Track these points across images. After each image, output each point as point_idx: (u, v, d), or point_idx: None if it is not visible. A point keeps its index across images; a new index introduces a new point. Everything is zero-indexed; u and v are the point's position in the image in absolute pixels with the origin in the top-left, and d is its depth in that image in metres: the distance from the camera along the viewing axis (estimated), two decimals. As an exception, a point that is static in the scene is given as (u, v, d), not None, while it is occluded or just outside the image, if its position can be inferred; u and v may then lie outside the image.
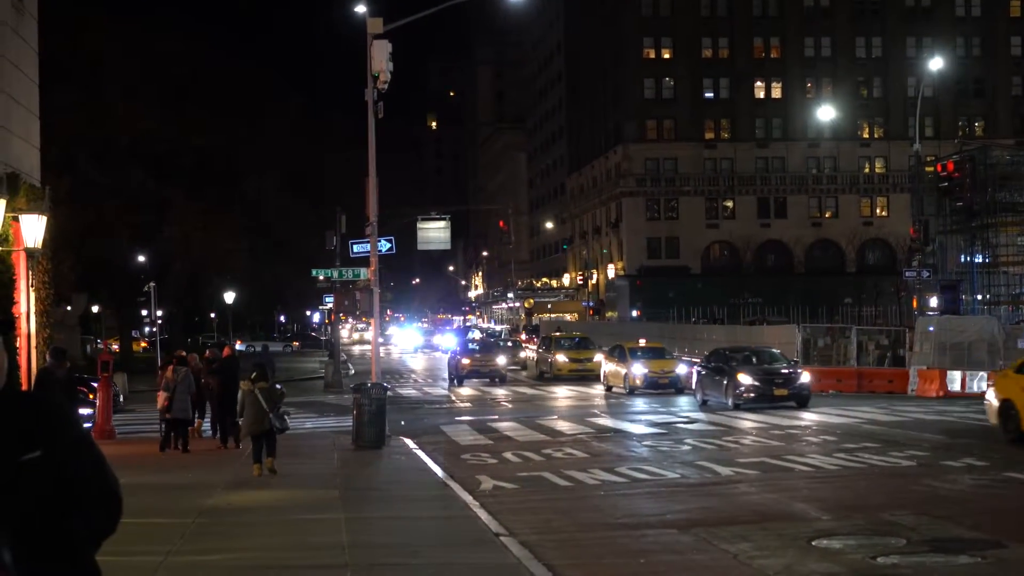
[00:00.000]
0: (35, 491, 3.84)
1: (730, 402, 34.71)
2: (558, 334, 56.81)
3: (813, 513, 16.02)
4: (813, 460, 21.91)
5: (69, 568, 4.06)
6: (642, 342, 46.82)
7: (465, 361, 52.53)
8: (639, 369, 42.79)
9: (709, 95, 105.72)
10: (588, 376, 50.59)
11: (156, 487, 18.67)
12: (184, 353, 30.08)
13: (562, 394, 44.72)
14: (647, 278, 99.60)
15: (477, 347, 58.15)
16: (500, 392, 46.41)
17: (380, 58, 28.27)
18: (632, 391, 42.30)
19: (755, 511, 16.25)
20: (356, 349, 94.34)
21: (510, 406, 38.80)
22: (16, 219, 22.79)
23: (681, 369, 43.54)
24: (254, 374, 21.32)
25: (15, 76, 26.19)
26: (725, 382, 35.33)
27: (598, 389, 46.10)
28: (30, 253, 23.65)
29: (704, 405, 36.30)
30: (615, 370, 44.62)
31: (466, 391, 47.66)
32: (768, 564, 12.61)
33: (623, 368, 43.50)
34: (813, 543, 13.72)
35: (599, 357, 50.16)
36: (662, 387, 42.51)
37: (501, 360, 54.47)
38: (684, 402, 38.53)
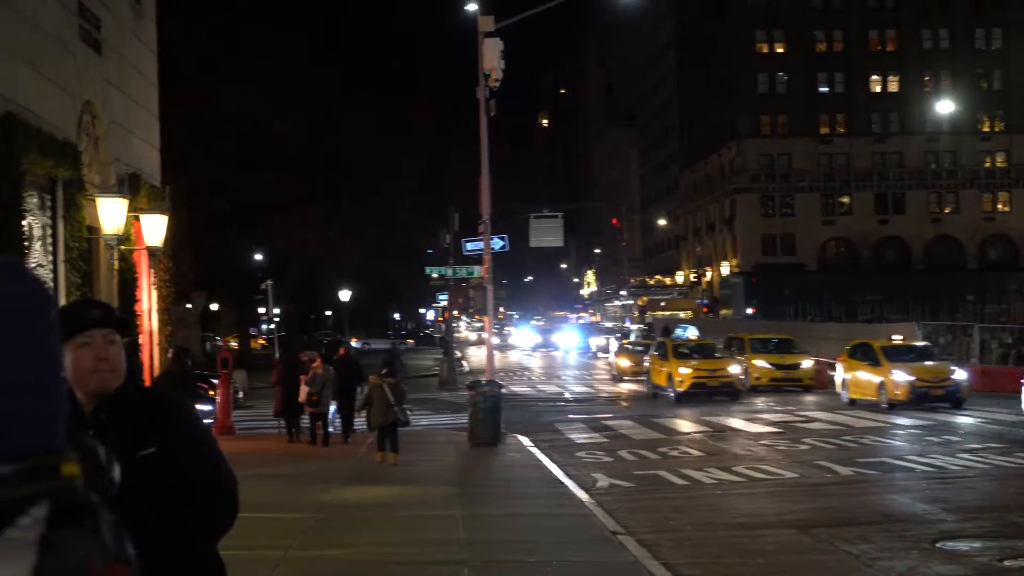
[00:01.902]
0: (152, 487, 3.88)
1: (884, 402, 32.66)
2: (750, 335, 46.62)
3: (937, 514, 15.70)
4: (936, 460, 21.49)
5: (190, 563, 4.11)
6: (897, 338, 38.52)
7: (625, 364, 50.84)
8: (902, 376, 33.23)
9: (823, 89, 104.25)
10: (792, 387, 41.94)
11: (276, 482, 18.89)
12: (320, 351, 30.70)
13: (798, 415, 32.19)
14: (762, 275, 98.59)
15: (641, 348, 53.92)
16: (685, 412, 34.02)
17: (491, 56, 28.32)
18: (892, 406, 32.76)
19: (876, 512, 15.99)
20: (472, 351, 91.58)
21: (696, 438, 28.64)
22: (137, 218, 23.20)
23: (959, 376, 34.09)
24: (384, 370, 22.42)
25: (135, 78, 26.70)
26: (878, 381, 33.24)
27: (814, 401, 37.63)
28: (151, 252, 24.06)
29: (852, 404, 34.55)
30: (864, 378, 34.99)
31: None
32: (891, 566, 12.38)
33: (877, 375, 34.06)
34: (937, 545, 13.45)
35: (809, 363, 42.94)
36: (935, 400, 32.83)
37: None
38: (811, 401, 37.79)
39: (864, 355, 35.66)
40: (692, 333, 57.68)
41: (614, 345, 67.26)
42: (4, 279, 1.56)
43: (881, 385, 33.50)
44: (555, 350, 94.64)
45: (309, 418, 27.13)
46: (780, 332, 49.40)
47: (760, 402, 37.49)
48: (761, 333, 47.82)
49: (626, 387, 47.73)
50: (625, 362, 52.11)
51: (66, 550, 1.44)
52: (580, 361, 77.32)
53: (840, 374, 37.06)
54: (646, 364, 44.09)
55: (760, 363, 42.30)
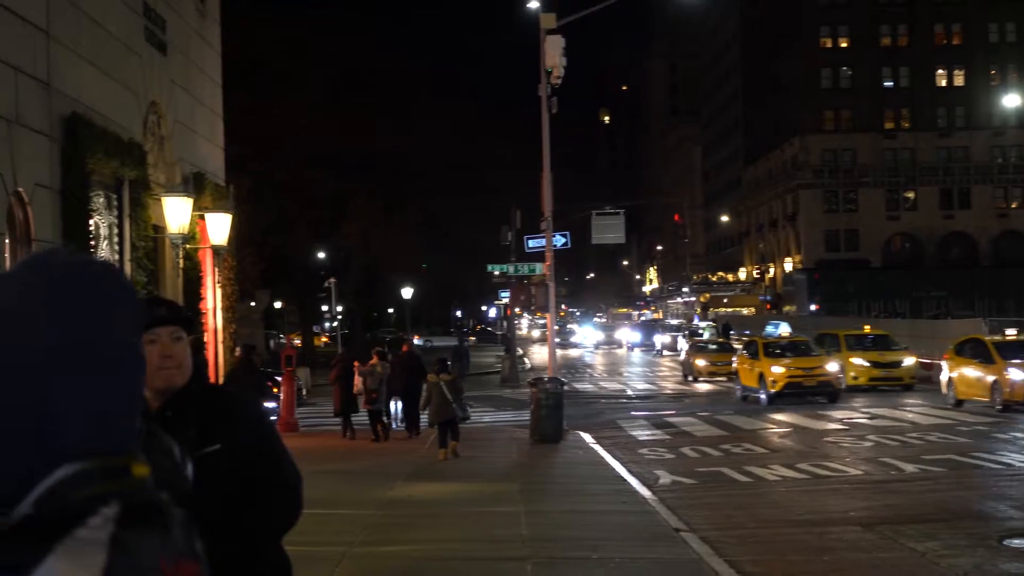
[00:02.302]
0: (217, 484, 3.92)
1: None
2: (844, 331, 43.11)
3: (1004, 511, 15.53)
4: (1003, 457, 21.22)
5: (255, 559, 4.15)
6: (1011, 333, 36.49)
7: (702, 363, 48.75)
8: (1020, 375, 29.74)
9: (888, 84, 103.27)
10: (892, 387, 38.68)
11: (340, 478, 19.00)
12: (381, 348, 30.93)
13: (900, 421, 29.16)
14: (825, 271, 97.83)
15: (716, 347, 52.04)
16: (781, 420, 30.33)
17: (553, 53, 28.32)
18: (1007, 407, 29.62)
19: (942, 508, 15.82)
20: (535, 349, 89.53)
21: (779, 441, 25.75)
22: (202, 217, 23.42)
23: None
24: (437, 367, 22.99)
25: (200, 78, 26.95)
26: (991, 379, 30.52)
27: (915, 401, 34.54)
28: (216, 250, 24.28)
29: (959, 405, 31.76)
30: (974, 376, 31.65)
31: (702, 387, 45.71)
32: (957, 563, 12.26)
33: (990, 374, 30.77)
34: (1004, 542, 13.30)
35: (910, 360, 39.56)
36: None
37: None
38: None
39: (974, 352, 32.44)
40: (784, 329, 54.25)
41: (683, 343, 65.54)
42: (93, 278, 1.57)
43: (994, 384, 30.34)
44: (618, 348, 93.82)
45: (368, 415, 27.29)
46: (848, 328, 48.63)
47: (859, 402, 34.67)
48: (852, 329, 44.74)
49: (703, 387, 45.67)
50: (702, 361, 49.44)
51: (136, 549, 1.45)
52: (644, 359, 75.35)
53: (945, 372, 33.75)
54: (733, 364, 41.85)
55: (858, 361, 39.13)
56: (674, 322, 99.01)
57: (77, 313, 1.55)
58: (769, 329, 55.57)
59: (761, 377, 35.72)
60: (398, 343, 30.78)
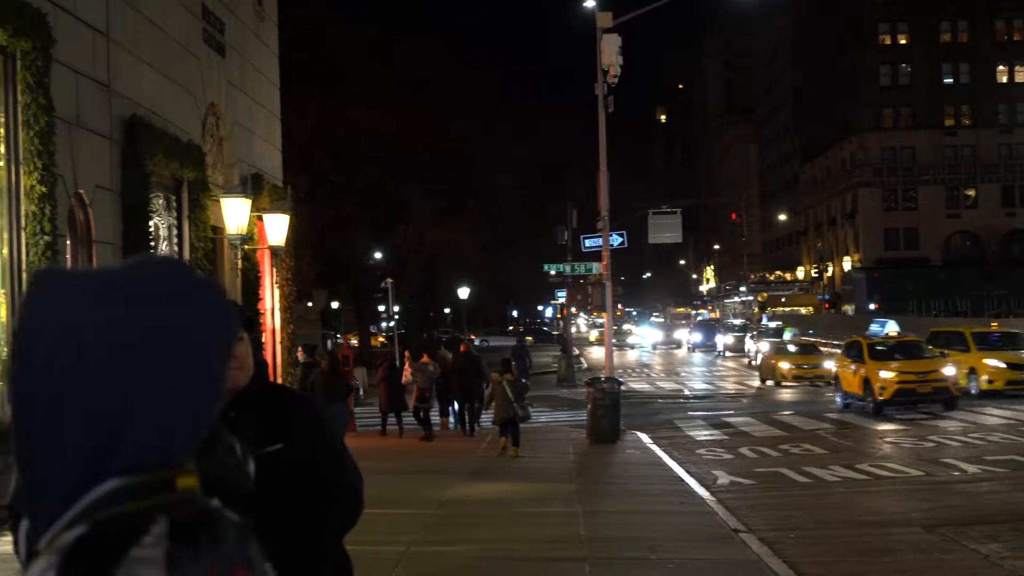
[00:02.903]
0: (279, 483, 3.92)
1: None
2: (970, 328, 38.79)
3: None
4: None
5: (317, 558, 4.15)
6: None
7: (785, 365, 44.22)
8: None
9: (948, 80, 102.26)
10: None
11: (397, 478, 19.06)
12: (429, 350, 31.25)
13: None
14: (885, 270, 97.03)
15: (798, 348, 47.40)
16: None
17: (610, 52, 28.25)
18: None
19: (1006, 510, 15.61)
20: (594, 350, 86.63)
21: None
22: (260, 218, 23.56)
23: None
24: (501, 367, 23.54)
25: (258, 80, 27.12)
26: None
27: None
28: (274, 251, 24.43)
29: None
30: None
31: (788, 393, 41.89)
32: (1020, 565, 12.10)
33: None
34: (1070, 545, 13.11)
35: None
36: None
37: (828, 364, 41.28)
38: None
39: None
40: (892, 328, 48.01)
41: (750, 344, 63.99)
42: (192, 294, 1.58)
43: None
44: (677, 348, 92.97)
45: (413, 413, 27.39)
46: (905, 328, 47.96)
47: (992, 409, 30.80)
48: (975, 327, 40.80)
49: (786, 393, 41.37)
50: (786, 364, 44.38)
51: (189, 564, 1.44)
52: (707, 361, 72.14)
53: None
54: (825, 366, 39.33)
55: (993, 363, 34.09)
56: (737, 322, 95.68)
57: (171, 328, 1.55)
58: (874, 328, 49.36)
59: (866, 383, 31.32)
60: (455, 343, 30.89)
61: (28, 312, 1.55)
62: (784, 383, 44.15)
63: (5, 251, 14.51)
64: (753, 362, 58.39)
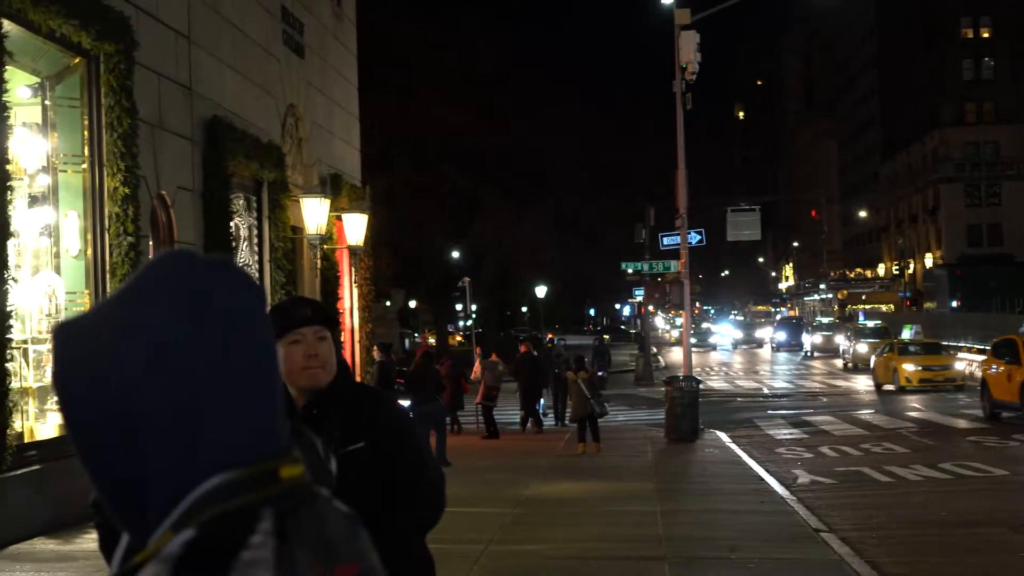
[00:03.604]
0: (361, 481, 3.94)
1: None
2: None
3: None
4: None
5: (399, 557, 4.17)
6: None
7: (909, 367, 38.89)
8: None
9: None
10: None
11: (476, 476, 19.10)
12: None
13: None
14: (967, 267, 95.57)
15: (918, 348, 42.07)
16: None
17: (688, 49, 28.13)
18: None
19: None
20: (674, 351, 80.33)
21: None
22: (339, 218, 23.74)
23: None
24: (576, 365, 23.90)
25: (336, 80, 27.32)
26: None
27: None
28: (352, 251, 24.61)
29: None
30: None
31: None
32: (1111, 568, 11.88)
33: None
34: None
35: None
36: None
37: (959, 366, 38.91)
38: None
39: None
40: None
41: (844, 343, 59.50)
42: (226, 281, 1.56)
43: None
44: (758, 347, 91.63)
45: (481, 410, 27.49)
46: (988, 326, 46.90)
47: None
48: None
49: (915, 400, 35.84)
50: (911, 366, 38.99)
51: (298, 559, 1.42)
52: (794, 361, 68.67)
53: None
54: (958, 368, 36.27)
55: None
56: (825, 320, 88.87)
57: (231, 315, 1.53)
58: None
59: None
60: (532, 342, 30.98)
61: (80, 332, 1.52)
62: (908, 387, 38.51)
63: (89, 252, 14.74)
64: (849, 363, 55.40)
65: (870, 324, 60.79)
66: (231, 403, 1.50)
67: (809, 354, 71.02)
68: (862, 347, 52.21)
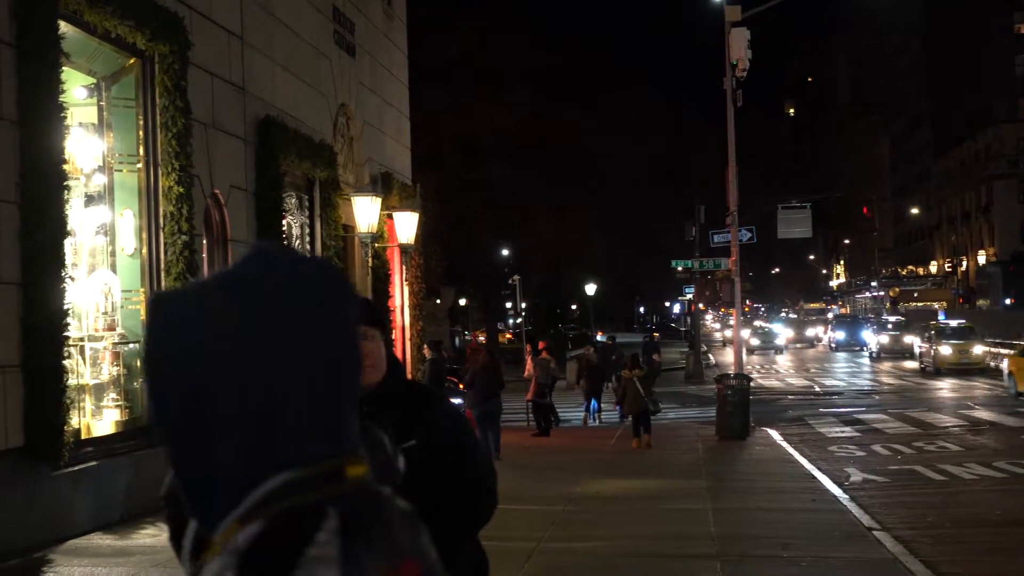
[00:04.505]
0: (413, 480, 3.97)
1: None
2: None
3: None
4: None
5: (452, 555, 4.19)
6: None
7: None
8: None
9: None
10: None
11: (526, 473, 19.12)
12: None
13: None
14: (1021, 264, 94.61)
15: None
16: None
17: (738, 46, 28.04)
18: None
19: None
20: (728, 351, 78.68)
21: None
22: (390, 216, 23.84)
23: None
24: (630, 363, 24.47)
25: (387, 79, 27.43)
26: None
27: None
28: (403, 249, 24.70)
29: None
30: None
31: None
32: None
33: None
34: None
35: None
36: None
37: None
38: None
39: None
40: None
41: (918, 344, 53.76)
42: (322, 280, 1.58)
43: None
44: (810, 347, 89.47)
45: (533, 407, 27.54)
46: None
47: None
48: None
49: None
50: None
51: (363, 558, 1.43)
52: (856, 361, 64.65)
53: None
54: None
55: None
56: (892, 318, 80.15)
57: (322, 315, 1.54)
58: None
59: None
60: (583, 340, 31.13)
61: (163, 320, 1.55)
62: None
63: (144, 251, 14.88)
64: (929, 367, 48.86)
65: (952, 323, 54.00)
66: (310, 401, 1.51)
67: (875, 355, 64.99)
68: (945, 349, 47.41)
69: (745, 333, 55.72)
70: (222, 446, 1.50)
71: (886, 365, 58.01)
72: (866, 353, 68.53)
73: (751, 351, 70.05)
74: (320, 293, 1.55)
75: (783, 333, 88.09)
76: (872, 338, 68.77)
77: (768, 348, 78.18)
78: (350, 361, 1.57)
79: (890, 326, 71.32)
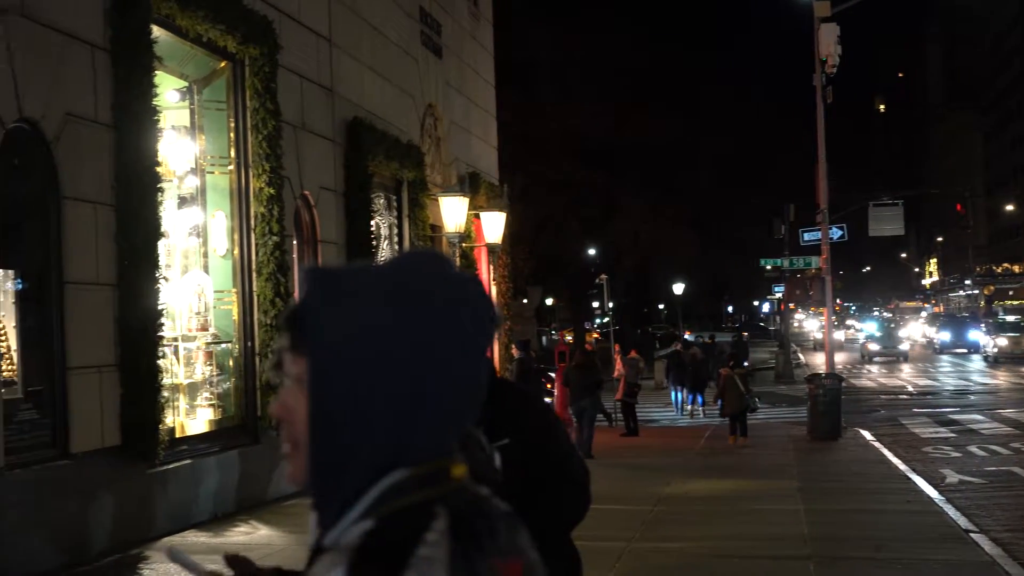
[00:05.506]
0: (506, 478, 3.95)
1: None
2: None
3: None
4: None
5: (547, 553, 4.17)
6: None
7: None
8: None
9: None
10: None
11: (617, 473, 19.03)
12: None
13: None
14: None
15: None
16: None
17: (828, 42, 27.70)
18: None
19: None
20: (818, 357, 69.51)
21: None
22: (477, 216, 23.89)
23: None
24: (731, 362, 24.69)
25: (473, 79, 27.49)
26: None
27: None
28: (491, 248, 24.74)
29: None
30: None
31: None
32: None
33: None
34: None
35: None
36: None
37: None
38: None
39: None
40: None
41: None
42: (470, 291, 1.60)
43: None
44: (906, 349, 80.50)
45: (622, 407, 27.48)
46: None
47: None
48: None
49: None
50: None
51: (471, 560, 1.44)
52: (964, 365, 59.06)
53: None
54: None
55: None
56: (1011, 318, 72.35)
57: (463, 323, 1.56)
58: None
59: None
60: (671, 340, 31.07)
61: (321, 308, 1.56)
62: None
63: (236, 251, 15.05)
64: None
65: None
66: (448, 402, 1.54)
67: (993, 359, 58.22)
68: None
69: (839, 335, 52.43)
70: (355, 438, 1.51)
71: (1003, 372, 51.27)
72: (979, 357, 63.14)
73: (869, 358, 64.49)
74: (487, 302, 1.61)
75: (904, 336, 77.77)
76: (988, 340, 62.35)
77: (889, 354, 65.08)
78: (484, 370, 1.60)
79: (1008, 327, 64.07)
